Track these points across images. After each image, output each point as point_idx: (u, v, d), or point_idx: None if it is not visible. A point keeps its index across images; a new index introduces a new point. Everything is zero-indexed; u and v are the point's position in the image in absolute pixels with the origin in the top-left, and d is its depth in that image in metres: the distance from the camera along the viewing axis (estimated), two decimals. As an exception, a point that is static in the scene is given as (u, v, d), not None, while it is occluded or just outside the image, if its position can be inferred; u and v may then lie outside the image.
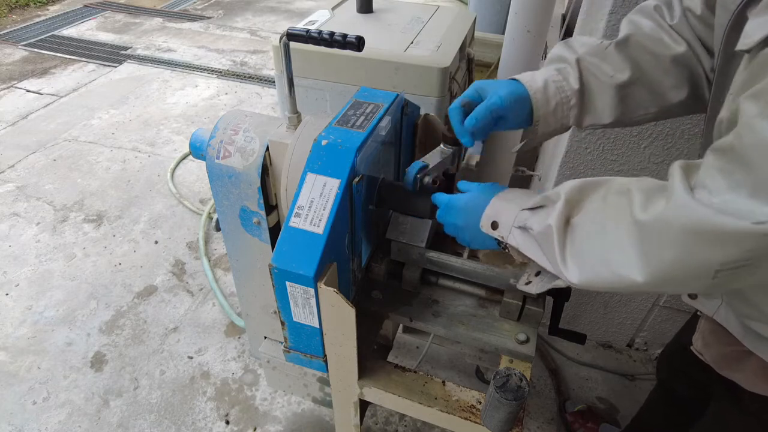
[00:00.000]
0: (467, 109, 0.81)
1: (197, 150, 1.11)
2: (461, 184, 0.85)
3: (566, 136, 1.40)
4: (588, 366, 1.78)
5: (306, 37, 0.84)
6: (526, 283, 0.83)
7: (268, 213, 1.09)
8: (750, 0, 0.57)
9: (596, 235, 0.61)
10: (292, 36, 0.87)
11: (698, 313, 0.88)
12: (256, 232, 1.14)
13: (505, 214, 0.72)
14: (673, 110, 0.82)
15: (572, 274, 0.63)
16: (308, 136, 0.94)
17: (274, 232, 1.14)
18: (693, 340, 0.92)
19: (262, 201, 1.06)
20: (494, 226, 0.73)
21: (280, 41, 0.89)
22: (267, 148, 1.02)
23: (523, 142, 0.90)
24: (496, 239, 0.75)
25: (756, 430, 0.87)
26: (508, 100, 0.79)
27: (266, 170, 1.04)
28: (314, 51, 1.30)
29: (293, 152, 0.96)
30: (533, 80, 0.81)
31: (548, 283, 0.79)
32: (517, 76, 0.82)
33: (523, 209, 0.70)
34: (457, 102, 0.83)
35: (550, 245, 0.65)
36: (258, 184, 1.04)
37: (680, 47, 0.77)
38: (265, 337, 1.53)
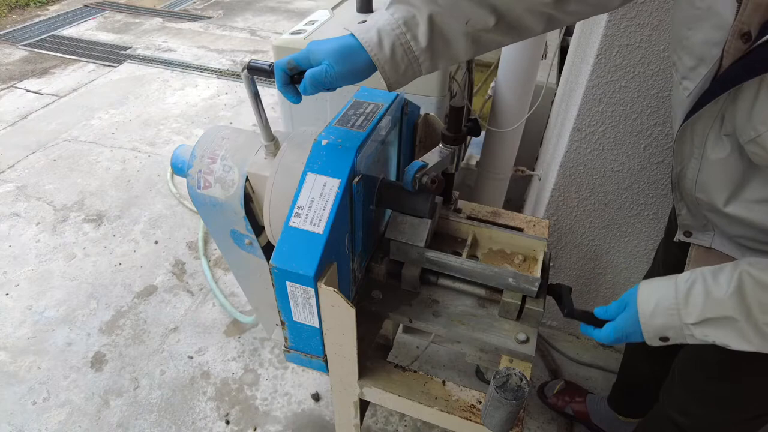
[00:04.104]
0: (291, 72, 0.78)
1: (179, 170, 1.08)
2: (598, 311, 0.88)
3: (566, 136, 1.39)
4: (588, 366, 1.78)
5: (268, 72, 0.81)
6: None
7: (258, 234, 1.07)
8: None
9: None
10: (252, 69, 0.84)
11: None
12: (251, 249, 1.13)
13: (672, 332, 0.76)
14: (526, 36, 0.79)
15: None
16: (287, 167, 0.92)
17: (268, 249, 1.11)
18: (685, 270, 0.93)
19: (249, 227, 1.04)
20: (664, 339, 0.78)
21: (241, 73, 0.87)
22: (247, 178, 0.99)
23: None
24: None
25: None
26: (343, 82, 0.75)
27: (249, 197, 1.01)
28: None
29: (273, 185, 0.93)
30: (380, 48, 0.72)
31: None
32: (359, 36, 0.73)
33: (687, 323, 0.74)
34: (283, 63, 0.77)
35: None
36: (242, 213, 1.01)
37: None
38: (277, 325, 1.52)
